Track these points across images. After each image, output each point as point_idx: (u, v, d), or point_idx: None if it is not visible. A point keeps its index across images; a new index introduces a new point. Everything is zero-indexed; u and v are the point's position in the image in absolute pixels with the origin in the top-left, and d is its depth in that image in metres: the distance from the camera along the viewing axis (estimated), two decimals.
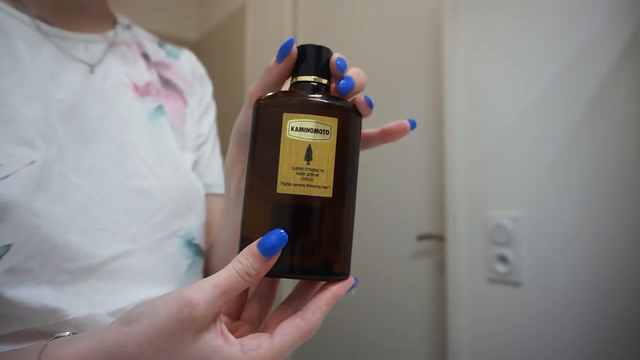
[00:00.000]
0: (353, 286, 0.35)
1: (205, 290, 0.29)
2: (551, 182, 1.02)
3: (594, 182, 0.96)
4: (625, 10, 0.92)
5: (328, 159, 0.34)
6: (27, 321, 0.40)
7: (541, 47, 1.05)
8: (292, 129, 0.34)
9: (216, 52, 2.53)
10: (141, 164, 0.51)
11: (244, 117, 0.39)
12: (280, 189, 0.33)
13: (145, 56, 0.60)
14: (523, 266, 1.07)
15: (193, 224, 0.54)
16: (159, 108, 0.56)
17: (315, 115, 0.34)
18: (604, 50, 0.95)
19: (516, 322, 1.08)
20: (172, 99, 0.60)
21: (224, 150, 0.69)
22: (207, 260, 0.60)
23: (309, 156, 0.33)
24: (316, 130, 0.34)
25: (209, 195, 0.61)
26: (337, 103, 0.35)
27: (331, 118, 0.34)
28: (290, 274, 0.33)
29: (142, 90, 0.56)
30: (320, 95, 0.36)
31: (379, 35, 1.52)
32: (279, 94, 0.36)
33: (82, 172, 0.46)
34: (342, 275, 0.34)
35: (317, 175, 0.33)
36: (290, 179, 0.33)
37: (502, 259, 1.10)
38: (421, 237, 1.34)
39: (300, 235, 0.33)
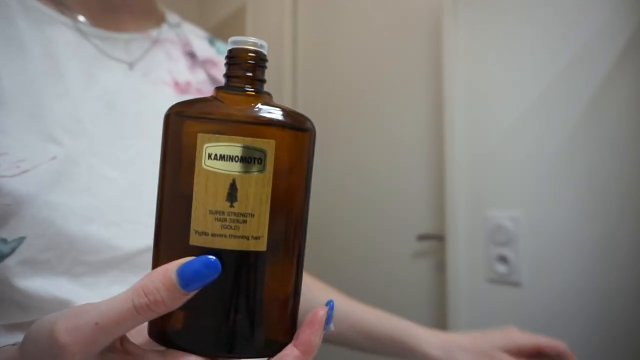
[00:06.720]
0: (328, 321, 0.27)
1: (82, 332, 0.23)
2: (551, 182, 1.02)
3: (593, 182, 0.96)
4: (625, 10, 0.92)
5: (260, 200, 0.25)
6: (45, 311, 0.40)
7: (541, 47, 1.05)
8: (209, 156, 0.24)
9: None
10: None
11: None
12: (194, 241, 0.25)
13: (192, 55, 0.60)
14: (523, 266, 1.07)
15: None
16: None
17: (242, 137, 0.25)
18: (604, 50, 0.95)
19: (516, 322, 1.08)
20: None
21: None
22: None
23: (232, 195, 0.24)
24: (243, 159, 0.25)
25: None
26: (276, 116, 0.26)
27: (266, 140, 0.25)
28: (217, 353, 0.25)
29: (183, 88, 0.57)
30: (253, 107, 0.26)
31: (378, 35, 1.52)
32: (197, 102, 0.27)
33: (117, 165, 0.47)
34: (285, 344, 0.26)
35: (245, 222, 0.25)
36: (207, 227, 0.24)
37: (502, 259, 1.10)
38: (421, 237, 1.34)
39: (221, 306, 0.25)
